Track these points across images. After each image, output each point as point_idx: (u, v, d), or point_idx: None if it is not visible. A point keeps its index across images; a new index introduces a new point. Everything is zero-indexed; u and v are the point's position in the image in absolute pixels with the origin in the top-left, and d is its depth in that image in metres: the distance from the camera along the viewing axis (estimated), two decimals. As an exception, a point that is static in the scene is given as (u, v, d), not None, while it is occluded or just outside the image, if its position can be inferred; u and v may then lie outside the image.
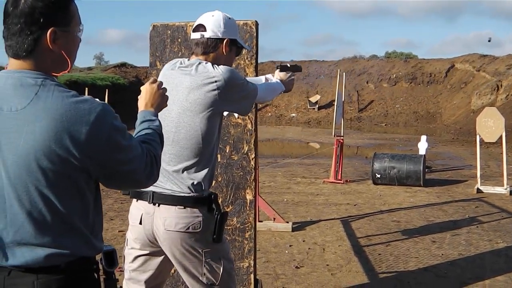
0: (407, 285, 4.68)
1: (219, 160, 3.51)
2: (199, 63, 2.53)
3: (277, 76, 3.05)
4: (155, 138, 1.79)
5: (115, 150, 1.57)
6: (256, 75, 3.53)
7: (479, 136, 9.67)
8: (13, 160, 1.49)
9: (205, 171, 2.51)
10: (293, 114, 32.91)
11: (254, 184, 3.63)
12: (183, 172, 2.49)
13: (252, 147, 3.61)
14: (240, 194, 3.60)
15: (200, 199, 2.48)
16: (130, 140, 1.63)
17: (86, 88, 20.98)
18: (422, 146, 12.07)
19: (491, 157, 14.37)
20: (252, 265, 3.62)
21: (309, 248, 5.77)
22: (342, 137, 10.80)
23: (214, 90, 2.47)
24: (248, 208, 3.59)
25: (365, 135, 24.10)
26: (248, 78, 2.82)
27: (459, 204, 8.34)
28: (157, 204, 2.48)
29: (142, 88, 2.03)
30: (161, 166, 1.82)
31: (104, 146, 1.54)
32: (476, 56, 32.41)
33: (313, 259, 5.39)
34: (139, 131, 1.82)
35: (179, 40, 3.67)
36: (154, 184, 1.86)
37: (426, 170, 10.71)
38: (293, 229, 6.50)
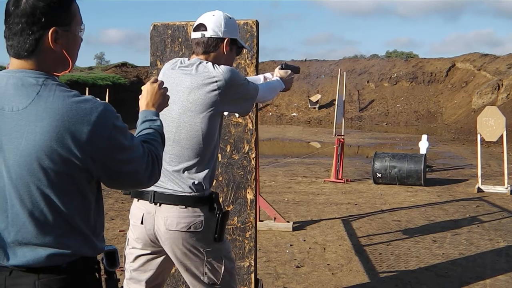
0: (408, 284, 4.68)
1: (219, 159, 3.51)
2: (200, 63, 2.53)
3: (277, 74, 3.05)
4: (157, 138, 1.79)
5: (117, 150, 1.57)
6: (257, 75, 3.53)
7: (480, 135, 9.67)
8: (14, 160, 1.49)
9: (206, 171, 2.51)
10: (294, 114, 32.91)
11: (254, 183, 3.63)
12: (184, 172, 2.49)
13: (253, 146, 3.61)
14: (240, 194, 3.60)
15: (202, 199, 2.48)
16: (131, 140, 1.63)
17: (87, 88, 21.00)
18: (423, 146, 12.06)
19: (492, 156, 14.37)
20: (253, 264, 3.62)
21: (309, 248, 5.77)
22: (343, 137, 10.80)
23: (215, 90, 2.47)
24: (248, 208, 3.59)
25: (366, 134, 24.10)
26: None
27: (460, 203, 8.34)
28: (158, 204, 2.48)
29: (143, 87, 2.03)
30: (162, 166, 1.82)
31: (106, 146, 1.54)
32: (477, 55, 32.40)
33: (313, 259, 5.39)
34: (141, 131, 1.82)
35: (180, 39, 3.68)
36: (155, 184, 1.86)
37: (427, 169, 10.71)
38: (294, 229, 6.50)
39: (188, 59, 2.61)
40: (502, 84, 27.11)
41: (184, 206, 2.45)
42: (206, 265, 2.50)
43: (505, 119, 9.49)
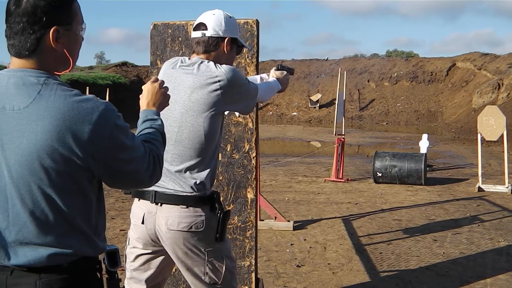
0: (408, 283, 4.68)
1: (220, 159, 3.51)
2: (201, 62, 2.53)
3: (273, 75, 3.05)
4: (158, 137, 1.79)
5: (118, 149, 1.57)
6: (257, 74, 3.53)
7: (480, 134, 9.67)
8: (15, 160, 1.49)
9: (207, 171, 2.51)
10: (294, 113, 32.90)
11: (255, 183, 3.63)
12: (185, 172, 2.48)
13: (253, 146, 3.61)
14: (241, 193, 3.60)
15: (203, 198, 2.48)
16: (133, 139, 1.62)
17: (87, 88, 20.99)
18: (423, 145, 12.06)
19: (492, 156, 14.37)
20: (253, 264, 3.62)
21: (310, 247, 5.77)
22: (343, 136, 10.80)
23: (217, 90, 2.46)
24: (249, 207, 3.59)
25: (366, 133, 24.11)
26: None
27: (461, 202, 8.34)
28: (159, 204, 2.48)
29: (143, 87, 2.02)
30: (164, 165, 1.81)
31: (107, 145, 1.54)
32: (477, 54, 32.39)
33: (314, 258, 5.39)
34: (141, 130, 1.82)
35: (180, 39, 3.67)
36: (156, 184, 1.86)
37: (427, 168, 10.71)
38: (294, 228, 6.50)
39: (189, 58, 2.61)
40: (502, 84, 27.10)
41: (185, 206, 2.45)
42: (207, 265, 2.50)
43: (505, 118, 9.49)
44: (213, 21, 2.56)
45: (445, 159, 14.59)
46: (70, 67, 1.64)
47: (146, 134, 1.79)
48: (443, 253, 5.59)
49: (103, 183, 1.65)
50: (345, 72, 12.69)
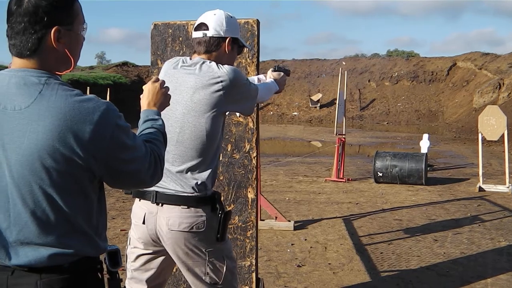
0: (409, 283, 4.68)
1: (220, 159, 3.51)
2: (203, 62, 2.52)
3: (270, 76, 3.06)
4: (159, 138, 1.79)
5: (119, 149, 1.57)
6: (258, 74, 3.53)
7: (481, 134, 9.67)
8: (16, 159, 1.49)
9: (209, 171, 2.51)
10: (295, 113, 32.90)
11: (255, 182, 3.63)
12: (187, 172, 2.48)
13: (254, 145, 3.61)
14: (241, 193, 3.60)
15: (204, 199, 2.48)
16: (134, 139, 1.62)
17: (88, 88, 21.00)
18: (424, 145, 12.06)
19: (493, 156, 14.37)
20: (254, 264, 3.62)
21: (311, 247, 5.77)
22: (344, 136, 10.80)
23: (220, 90, 2.46)
24: (249, 207, 3.59)
25: (367, 133, 24.11)
26: None
27: (461, 202, 8.34)
28: (160, 204, 2.48)
29: (144, 87, 2.02)
30: (165, 166, 1.81)
31: (108, 145, 1.54)
32: (478, 54, 32.38)
33: (315, 258, 5.39)
34: (142, 130, 1.82)
35: (180, 38, 3.67)
36: (157, 184, 1.86)
37: (428, 168, 10.70)
38: (295, 228, 6.50)
39: (190, 58, 2.61)
40: (503, 83, 27.09)
41: (186, 206, 2.45)
42: (208, 265, 2.49)
43: (506, 118, 9.48)
44: (214, 21, 2.56)
45: (445, 159, 14.59)
46: (72, 67, 1.64)
47: (147, 134, 1.79)
48: (444, 253, 5.59)
49: (104, 183, 1.65)
50: (345, 72, 12.69)
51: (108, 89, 20.64)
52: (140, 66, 35.78)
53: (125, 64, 36.18)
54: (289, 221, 6.65)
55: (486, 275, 4.88)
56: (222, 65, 2.52)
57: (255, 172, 3.61)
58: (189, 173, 2.48)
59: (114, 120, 1.55)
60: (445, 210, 7.79)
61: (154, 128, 1.82)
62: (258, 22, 3.61)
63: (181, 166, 2.48)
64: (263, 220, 6.51)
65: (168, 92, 2.04)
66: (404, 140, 20.62)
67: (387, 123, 29.95)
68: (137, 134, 1.76)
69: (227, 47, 2.58)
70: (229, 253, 2.60)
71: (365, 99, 33.08)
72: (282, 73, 3.07)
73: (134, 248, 2.60)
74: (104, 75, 31.64)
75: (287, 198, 8.55)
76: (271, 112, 33.09)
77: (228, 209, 3.43)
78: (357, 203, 8.21)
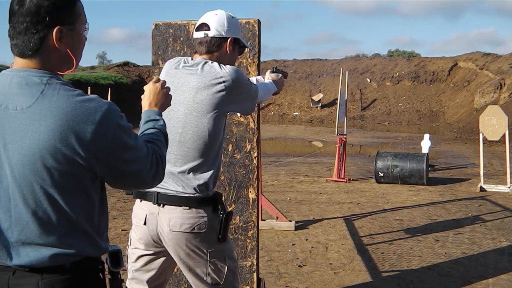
0: (410, 283, 4.68)
1: (221, 159, 3.51)
2: (205, 63, 2.52)
3: (268, 77, 3.06)
4: (160, 138, 1.79)
5: (121, 149, 1.57)
6: (259, 74, 3.53)
7: (482, 134, 9.66)
8: (18, 159, 1.49)
9: (211, 172, 2.51)
10: (296, 113, 32.90)
11: (256, 183, 3.63)
12: (189, 173, 2.48)
13: (255, 145, 3.61)
14: (242, 193, 3.60)
15: (205, 200, 2.48)
16: (136, 139, 1.62)
17: (89, 88, 21.01)
18: (425, 145, 12.06)
19: (494, 156, 14.36)
20: (255, 264, 3.62)
21: (312, 247, 5.77)
22: (345, 136, 10.80)
23: (222, 90, 2.46)
24: (250, 207, 3.59)
25: (368, 133, 24.10)
26: None
27: (462, 202, 8.33)
28: (161, 205, 2.47)
29: (145, 87, 2.02)
30: (166, 167, 1.81)
31: (110, 145, 1.54)
32: (479, 54, 32.35)
33: (316, 258, 5.38)
34: (144, 131, 1.82)
35: (181, 38, 3.67)
36: (158, 185, 1.86)
37: (429, 168, 10.70)
38: (296, 228, 6.50)
39: (192, 59, 2.61)
40: (504, 83, 27.07)
41: (187, 207, 2.45)
42: (209, 266, 2.49)
43: (507, 118, 9.48)
44: (216, 22, 2.56)
45: (447, 159, 14.58)
46: (74, 67, 1.64)
47: (149, 134, 1.79)
48: (445, 253, 5.58)
49: (105, 183, 1.65)
50: (346, 72, 12.68)
51: (109, 89, 20.63)
52: (141, 66, 35.78)
53: (126, 64, 36.18)
54: (290, 221, 6.65)
55: (488, 275, 4.88)
56: (224, 65, 2.52)
57: (256, 172, 3.61)
58: (191, 173, 2.48)
59: (116, 120, 1.55)
60: (446, 210, 7.79)
61: (155, 128, 1.82)
62: (259, 22, 3.61)
63: (183, 167, 2.48)
64: (264, 220, 6.51)
65: (170, 93, 2.04)
66: (405, 140, 20.61)
67: (388, 123, 29.94)
68: (138, 134, 1.76)
69: (229, 47, 2.58)
70: (230, 253, 2.60)
71: (366, 99, 33.07)
72: (280, 75, 3.08)
73: (135, 249, 2.60)
74: (105, 75, 31.64)
75: (288, 198, 8.55)
76: (272, 112, 33.09)
77: (229, 209, 3.43)
78: (358, 203, 8.21)
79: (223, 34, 2.55)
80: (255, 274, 3.61)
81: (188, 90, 2.49)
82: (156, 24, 3.72)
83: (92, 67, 36.74)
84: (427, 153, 10.69)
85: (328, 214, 7.40)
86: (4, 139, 1.51)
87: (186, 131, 2.48)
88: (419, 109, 31.26)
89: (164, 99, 2.00)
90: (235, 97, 2.52)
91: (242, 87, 2.55)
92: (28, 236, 1.51)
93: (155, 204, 2.48)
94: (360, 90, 33.43)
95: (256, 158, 3.61)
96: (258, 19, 3.61)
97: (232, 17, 2.62)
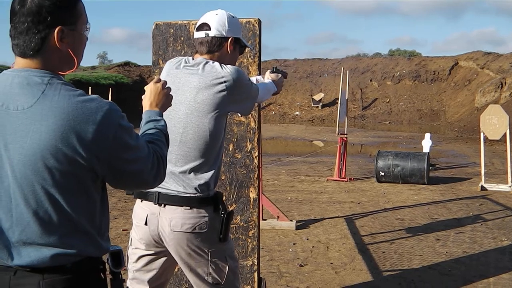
0: (411, 283, 4.68)
1: (222, 158, 3.51)
2: (206, 63, 2.52)
3: (268, 77, 3.06)
4: (161, 138, 1.79)
5: (122, 149, 1.57)
6: (259, 74, 3.53)
7: (483, 133, 9.66)
8: (19, 159, 1.49)
9: (212, 172, 2.51)
10: (297, 112, 32.88)
11: (257, 182, 3.63)
12: (190, 173, 2.48)
13: (256, 145, 3.61)
14: (243, 193, 3.60)
15: (206, 199, 2.48)
16: (137, 139, 1.62)
17: (90, 87, 21.01)
18: (426, 144, 12.05)
19: (495, 155, 14.35)
20: (256, 263, 3.62)
21: (313, 246, 5.77)
22: (346, 135, 10.80)
23: (223, 90, 2.46)
24: (251, 207, 3.59)
25: (369, 133, 24.08)
26: None
27: (463, 201, 8.33)
28: (162, 205, 2.47)
29: (146, 87, 2.02)
30: (167, 166, 1.81)
31: (111, 145, 1.54)
32: (480, 53, 32.32)
33: (317, 257, 5.38)
34: (145, 131, 1.82)
35: (182, 38, 3.67)
36: (159, 185, 1.86)
37: (430, 168, 10.69)
38: (297, 227, 6.50)
39: (193, 58, 2.61)
40: (505, 82, 27.05)
41: (189, 207, 2.45)
42: (210, 265, 2.49)
43: (508, 117, 9.47)
44: (216, 21, 2.56)
45: (448, 158, 14.57)
46: (75, 67, 1.64)
47: (150, 135, 1.79)
48: (446, 252, 5.58)
49: (106, 183, 1.65)
50: (347, 71, 12.67)
51: (110, 89, 20.63)
52: (142, 66, 35.77)
53: (127, 64, 36.18)
54: (291, 220, 6.65)
55: (489, 274, 4.88)
56: (225, 65, 2.52)
57: (257, 172, 3.61)
58: (192, 173, 2.48)
59: (117, 120, 1.55)
60: (447, 209, 7.78)
61: (156, 129, 1.82)
62: (259, 22, 3.61)
63: (184, 167, 2.48)
64: (265, 219, 6.51)
65: (171, 93, 2.04)
66: (406, 140, 20.60)
67: (389, 123, 29.92)
68: (139, 134, 1.76)
69: (229, 47, 2.58)
70: (231, 253, 2.60)
71: (367, 98, 33.05)
72: (280, 75, 3.08)
73: (136, 249, 2.60)
74: (106, 75, 31.64)
75: (289, 198, 8.55)
76: (273, 112, 33.08)
77: (230, 209, 3.43)
78: (359, 203, 8.20)
79: (224, 34, 2.55)
80: (256, 274, 3.61)
81: (189, 90, 2.49)
82: (156, 24, 3.72)
83: (93, 67, 36.74)
84: (428, 153, 10.68)
85: (329, 214, 7.40)
86: (5, 139, 1.51)
87: (187, 131, 2.48)
88: (420, 108, 31.24)
89: (165, 99, 2.00)
90: (236, 97, 2.52)
91: (243, 87, 2.55)
92: (29, 236, 1.51)
93: (156, 204, 2.48)
94: (361, 89, 33.40)
95: (257, 157, 3.61)
96: (259, 19, 3.61)
97: (233, 17, 2.62)
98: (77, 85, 1.57)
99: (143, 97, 2.00)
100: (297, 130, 25.06)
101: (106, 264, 1.70)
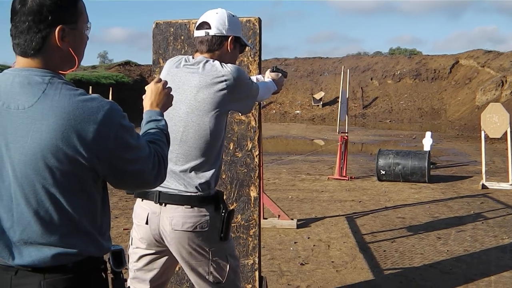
0: (412, 281, 4.68)
1: (223, 157, 3.51)
2: (206, 61, 2.52)
3: (268, 76, 3.06)
4: (162, 138, 1.79)
5: (123, 149, 1.56)
6: (260, 73, 3.53)
7: (484, 132, 9.65)
8: (20, 159, 1.49)
9: (212, 170, 2.51)
10: (298, 111, 32.87)
11: (258, 181, 3.63)
12: (190, 171, 2.48)
13: (256, 144, 3.61)
14: (244, 192, 3.60)
15: (207, 198, 2.48)
16: (138, 139, 1.62)
17: (90, 87, 21.02)
18: (427, 142, 12.05)
19: (496, 153, 14.34)
20: (257, 262, 3.62)
21: (314, 245, 5.77)
22: (346, 134, 10.79)
23: (224, 89, 2.46)
24: (252, 205, 3.59)
25: (370, 131, 24.07)
26: None
27: (464, 200, 8.32)
28: (163, 204, 2.47)
29: (147, 87, 2.02)
30: (168, 166, 1.81)
31: (112, 145, 1.53)
32: (480, 52, 32.28)
33: (318, 256, 5.38)
34: (146, 131, 1.82)
35: (182, 37, 3.67)
36: (160, 184, 1.86)
37: (431, 166, 10.69)
38: (298, 226, 6.50)
39: (193, 57, 2.61)
40: (506, 81, 27.02)
41: (189, 206, 2.45)
42: (211, 264, 2.50)
43: (509, 116, 9.46)
44: (217, 20, 2.56)
45: (448, 156, 14.56)
46: (76, 66, 1.64)
47: (151, 135, 1.79)
48: (447, 250, 5.58)
49: (107, 183, 1.65)
50: (348, 70, 12.67)
51: (111, 88, 20.65)
52: (143, 65, 35.76)
53: (127, 63, 36.17)
54: (292, 219, 6.66)
55: (490, 272, 4.88)
56: (225, 63, 2.52)
57: (257, 171, 3.61)
58: (192, 172, 2.48)
59: (118, 120, 1.55)
60: (448, 207, 7.78)
61: (157, 128, 1.82)
62: (260, 21, 3.61)
63: (185, 166, 2.48)
64: (266, 218, 6.51)
65: (171, 92, 2.04)
66: (407, 138, 20.59)
67: (390, 121, 29.90)
68: (140, 134, 1.76)
69: (230, 45, 2.58)
70: (232, 252, 2.60)
71: (368, 97, 33.02)
72: (280, 74, 3.08)
73: (137, 248, 2.61)
74: (106, 74, 31.64)
75: (290, 197, 8.55)
76: (274, 111, 33.07)
77: (231, 208, 3.43)
78: (360, 201, 8.20)
79: (224, 32, 2.55)
80: (257, 273, 3.62)
81: (189, 89, 2.49)
82: (156, 23, 3.72)
83: (94, 67, 36.74)
84: (429, 151, 10.67)
85: (330, 212, 7.40)
86: (6, 139, 1.51)
87: (187, 130, 2.48)
88: (420, 107, 31.21)
89: (166, 99, 2.00)
90: (236, 96, 2.52)
91: (244, 85, 2.55)
92: (30, 236, 1.51)
93: (157, 203, 2.48)
94: (361, 88, 33.38)
95: (258, 156, 3.61)
96: (259, 18, 3.61)
97: (233, 16, 2.62)
98: (78, 85, 1.56)
99: (143, 97, 2.00)
100: (298, 129, 25.05)
101: (108, 263, 1.69)
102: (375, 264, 5.16)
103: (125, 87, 29.27)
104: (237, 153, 3.60)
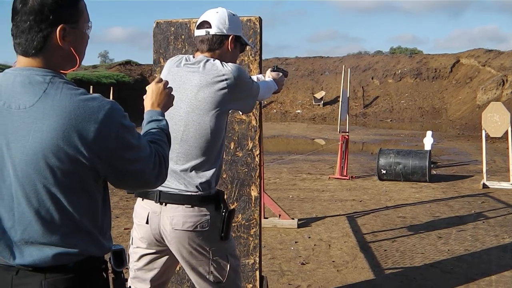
0: (413, 281, 4.68)
1: (224, 157, 3.51)
2: (207, 60, 2.52)
3: (269, 75, 3.06)
4: (163, 138, 1.79)
5: (124, 149, 1.56)
6: (260, 72, 3.52)
7: (485, 131, 9.65)
8: (21, 158, 1.49)
9: (213, 170, 2.51)
10: (298, 111, 32.87)
11: (259, 180, 3.63)
12: (191, 171, 2.48)
13: (257, 143, 3.61)
14: (245, 191, 3.59)
15: (208, 198, 2.48)
16: (139, 139, 1.62)
17: (91, 87, 21.00)
18: (428, 142, 12.04)
19: (497, 152, 14.34)
20: (258, 262, 3.62)
21: (314, 245, 5.77)
22: (347, 133, 10.79)
23: (224, 88, 2.46)
24: (253, 205, 3.59)
25: (371, 131, 24.07)
26: None
27: (465, 199, 8.32)
28: (164, 203, 2.47)
29: (147, 87, 2.02)
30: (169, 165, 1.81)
31: (113, 145, 1.53)
32: (481, 51, 32.26)
33: (318, 256, 5.38)
34: (147, 131, 1.81)
35: (183, 36, 3.67)
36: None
37: (432, 165, 10.68)
38: (299, 226, 6.50)
39: (193, 57, 2.60)
40: (506, 80, 27.02)
41: (190, 206, 2.45)
42: (212, 264, 2.49)
43: (509, 115, 9.46)
44: (217, 19, 2.55)
45: (449, 156, 14.56)
46: (77, 66, 1.63)
47: (152, 134, 1.78)
48: (448, 250, 5.58)
49: (108, 182, 1.64)
50: (349, 69, 12.66)
51: (111, 88, 20.63)
52: (143, 64, 35.78)
53: (128, 62, 36.19)
54: (293, 219, 6.66)
55: (491, 272, 4.87)
56: (226, 63, 2.52)
57: (258, 170, 3.61)
58: (193, 171, 2.48)
59: (119, 119, 1.55)
60: (449, 207, 7.78)
61: (158, 128, 1.82)
62: (260, 20, 3.61)
63: (185, 165, 2.48)
64: (267, 218, 6.51)
65: (172, 92, 2.04)
66: (408, 137, 20.59)
67: (391, 121, 29.90)
68: (141, 134, 1.75)
69: (230, 45, 2.58)
70: (232, 251, 2.60)
71: (369, 96, 33.02)
72: (280, 74, 3.08)
73: (137, 248, 2.60)
74: (107, 74, 31.66)
75: (290, 196, 8.55)
76: (274, 110, 33.07)
77: (232, 207, 3.43)
78: (360, 201, 8.20)
79: (225, 31, 2.55)
80: (257, 272, 3.61)
81: (190, 88, 2.49)
82: (157, 22, 3.72)
83: (94, 66, 36.75)
84: (430, 150, 10.67)
85: (331, 212, 7.40)
86: (7, 138, 1.50)
87: (188, 129, 2.48)
88: (421, 106, 31.21)
89: (167, 99, 1.99)
90: (237, 95, 2.52)
91: (244, 84, 2.55)
92: (31, 235, 1.51)
93: (157, 203, 2.48)
94: (362, 87, 33.38)
95: (258, 156, 3.61)
96: (259, 17, 3.61)
97: (233, 15, 2.62)
98: (79, 84, 1.56)
99: (144, 97, 2.00)
100: (299, 128, 25.05)
101: (108, 263, 1.69)
102: (376, 263, 5.16)
103: (126, 87, 29.28)
104: (237, 153, 3.60)
